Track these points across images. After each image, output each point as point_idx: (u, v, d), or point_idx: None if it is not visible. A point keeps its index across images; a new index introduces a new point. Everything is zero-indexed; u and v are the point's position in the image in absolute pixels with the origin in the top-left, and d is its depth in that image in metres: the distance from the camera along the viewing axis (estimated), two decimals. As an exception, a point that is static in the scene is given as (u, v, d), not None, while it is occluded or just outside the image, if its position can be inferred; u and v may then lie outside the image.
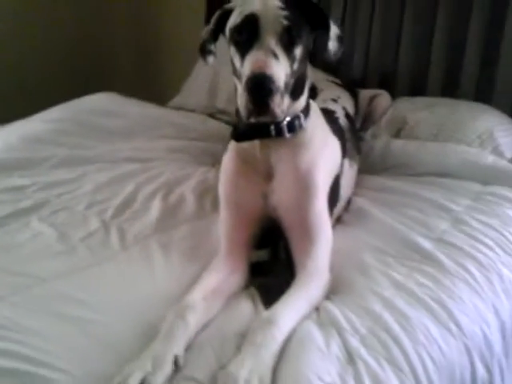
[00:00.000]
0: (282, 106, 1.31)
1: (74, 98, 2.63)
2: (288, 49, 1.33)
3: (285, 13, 1.33)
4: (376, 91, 2.47)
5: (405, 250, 1.55)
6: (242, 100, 1.29)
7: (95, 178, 2.00)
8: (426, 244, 1.58)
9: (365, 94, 2.42)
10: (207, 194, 1.90)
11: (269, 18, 1.31)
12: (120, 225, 1.70)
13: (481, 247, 1.58)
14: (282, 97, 1.29)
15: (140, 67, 3.79)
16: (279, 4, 1.34)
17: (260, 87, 1.25)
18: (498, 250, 1.59)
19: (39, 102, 2.62)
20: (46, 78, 3.34)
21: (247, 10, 1.35)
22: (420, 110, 2.36)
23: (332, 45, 1.46)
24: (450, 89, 2.56)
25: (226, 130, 2.24)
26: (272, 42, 1.30)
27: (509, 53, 2.42)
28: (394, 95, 2.55)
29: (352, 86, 2.41)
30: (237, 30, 1.35)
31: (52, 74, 3.36)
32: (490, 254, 1.57)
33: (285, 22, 1.32)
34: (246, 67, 1.28)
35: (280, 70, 1.29)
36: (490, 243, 1.61)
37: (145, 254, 1.54)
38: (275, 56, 1.29)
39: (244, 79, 1.27)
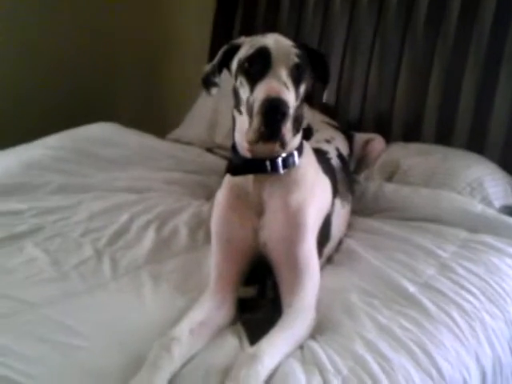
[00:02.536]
0: (290, 134, 1.36)
1: (76, 125, 2.67)
2: (295, 84, 1.40)
3: (296, 51, 1.41)
4: (371, 135, 2.52)
5: (390, 293, 1.57)
6: (253, 123, 1.34)
7: (91, 206, 2.03)
8: (412, 288, 1.60)
9: (360, 137, 2.47)
10: (200, 228, 1.93)
11: (281, 52, 1.39)
12: (113, 254, 1.72)
13: (465, 294, 1.60)
14: (290, 126, 1.35)
15: (143, 99, 3.84)
16: (291, 43, 1.43)
17: (276, 110, 1.30)
18: (482, 297, 1.61)
19: (41, 128, 2.65)
20: (48, 105, 3.38)
21: (259, 43, 1.42)
22: (413, 156, 2.42)
23: (326, 92, 1.60)
24: (444, 136, 2.61)
25: (222, 164, 2.29)
26: (284, 74, 1.37)
27: (502, 103, 2.48)
28: (389, 140, 2.60)
29: (347, 129, 2.46)
30: (248, 60, 1.41)
31: (55, 101, 3.39)
32: (474, 301, 1.58)
33: (295, 59, 1.40)
34: (260, 93, 1.33)
35: (291, 99, 1.35)
36: (475, 291, 1.62)
37: (135, 284, 1.56)
38: (286, 86, 1.35)
39: (257, 103, 1.32)
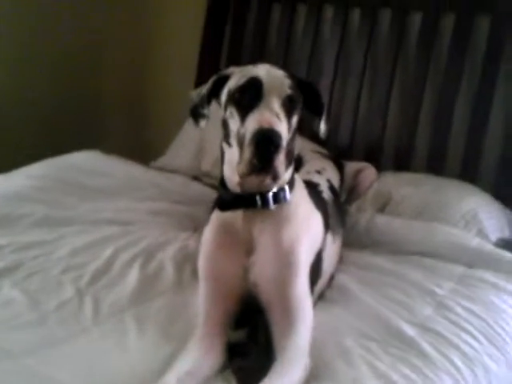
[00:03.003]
0: (283, 167, 1.31)
1: (59, 153, 2.59)
2: (288, 115, 1.35)
3: (288, 82, 1.37)
4: (362, 164, 2.46)
5: (388, 336, 1.50)
6: (244, 156, 1.28)
7: (73, 240, 1.93)
8: (410, 330, 1.53)
9: (351, 166, 2.41)
10: (187, 263, 1.85)
11: (274, 83, 1.35)
12: (95, 294, 1.63)
13: (465, 336, 1.53)
14: (283, 158, 1.30)
15: (128, 126, 3.77)
16: (283, 73, 1.39)
17: (268, 142, 1.25)
18: (482, 339, 1.54)
19: (26, 156, 2.57)
20: (33, 132, 3.29)
21: (250, 73, 1.37)
22: (405, 186, 2.36)
23: (323, 125, 1.56)
24: (436, 163, 2.57)
25: (209, 193, 2.22)
26: (276, 105, 1.32)
27: (495, 129, 2.45)
28: (380, 166, 2.56)
29: (338, 158, 2.41)
30: (239, 90, 1.36)
31: (39, 128, 3.31)
32: (475, 343, 1.52)
33: (288, 91, 1.35)
34: (251, 124, 1.28)
35: (284, 131, 1.30)
36: (474, 332, 1.56)
37: (119, 329, 1.47)
38: (279, 118, 1.30)
39: (249, 135, 1.27)
